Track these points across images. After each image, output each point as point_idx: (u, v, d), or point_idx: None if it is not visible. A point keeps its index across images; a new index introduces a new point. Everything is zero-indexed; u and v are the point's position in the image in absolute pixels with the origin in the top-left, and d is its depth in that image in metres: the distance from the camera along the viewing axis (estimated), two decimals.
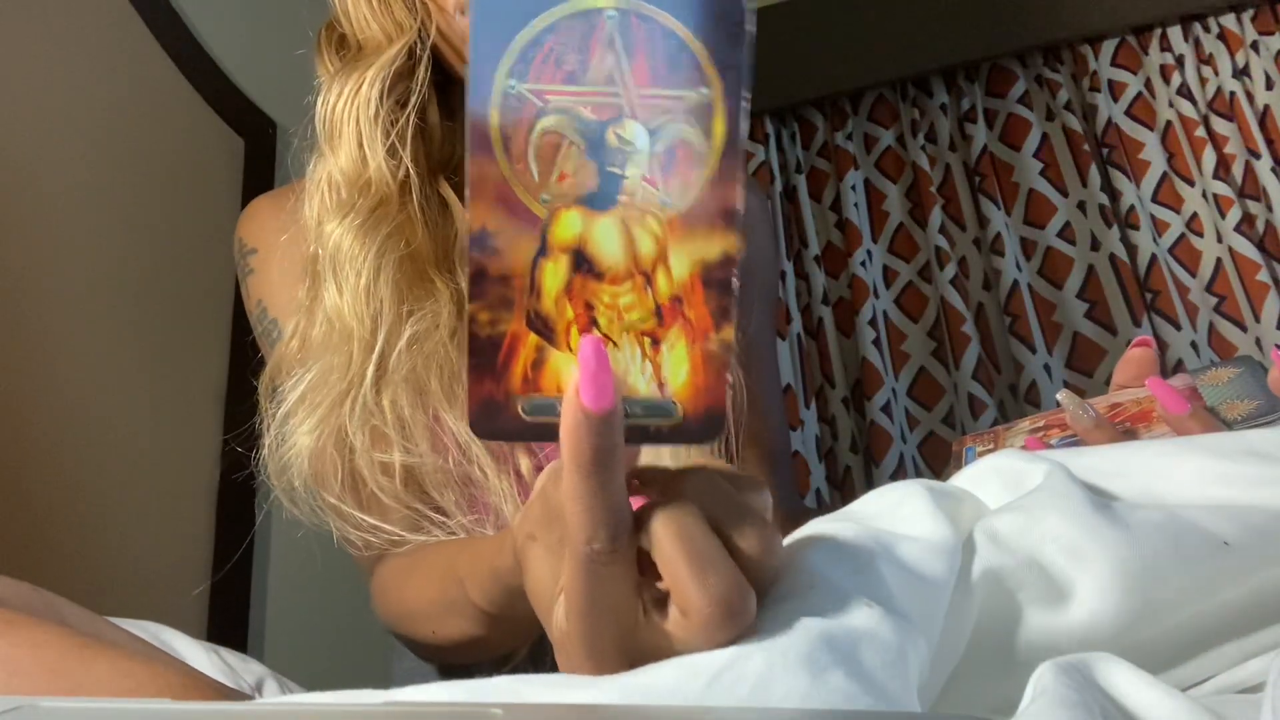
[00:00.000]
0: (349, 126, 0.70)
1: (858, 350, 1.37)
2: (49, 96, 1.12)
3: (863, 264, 1.38)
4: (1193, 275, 1.28)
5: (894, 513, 0.42)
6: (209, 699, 0.45)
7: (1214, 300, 1.26)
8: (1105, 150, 1.33)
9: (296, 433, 0.69)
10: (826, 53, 1.41)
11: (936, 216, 1.37)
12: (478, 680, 0.33)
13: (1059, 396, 0.59)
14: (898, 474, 1.33)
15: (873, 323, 1.36)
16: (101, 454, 0.82)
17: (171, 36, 1.26)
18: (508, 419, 0.31)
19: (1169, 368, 1.25)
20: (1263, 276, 1.23)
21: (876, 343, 1.36)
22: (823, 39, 1.41)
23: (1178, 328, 1.26)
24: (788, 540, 0.40)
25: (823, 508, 0.80)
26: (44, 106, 1.11)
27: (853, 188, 1.42)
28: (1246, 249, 1.24)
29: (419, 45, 0.72)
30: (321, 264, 0.70)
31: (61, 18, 1.15)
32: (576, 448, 0.31)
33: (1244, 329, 1.24)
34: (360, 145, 0.69)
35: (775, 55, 1.42)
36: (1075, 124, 1.35)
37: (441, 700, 0.33)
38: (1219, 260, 1.26)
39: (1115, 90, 1.35)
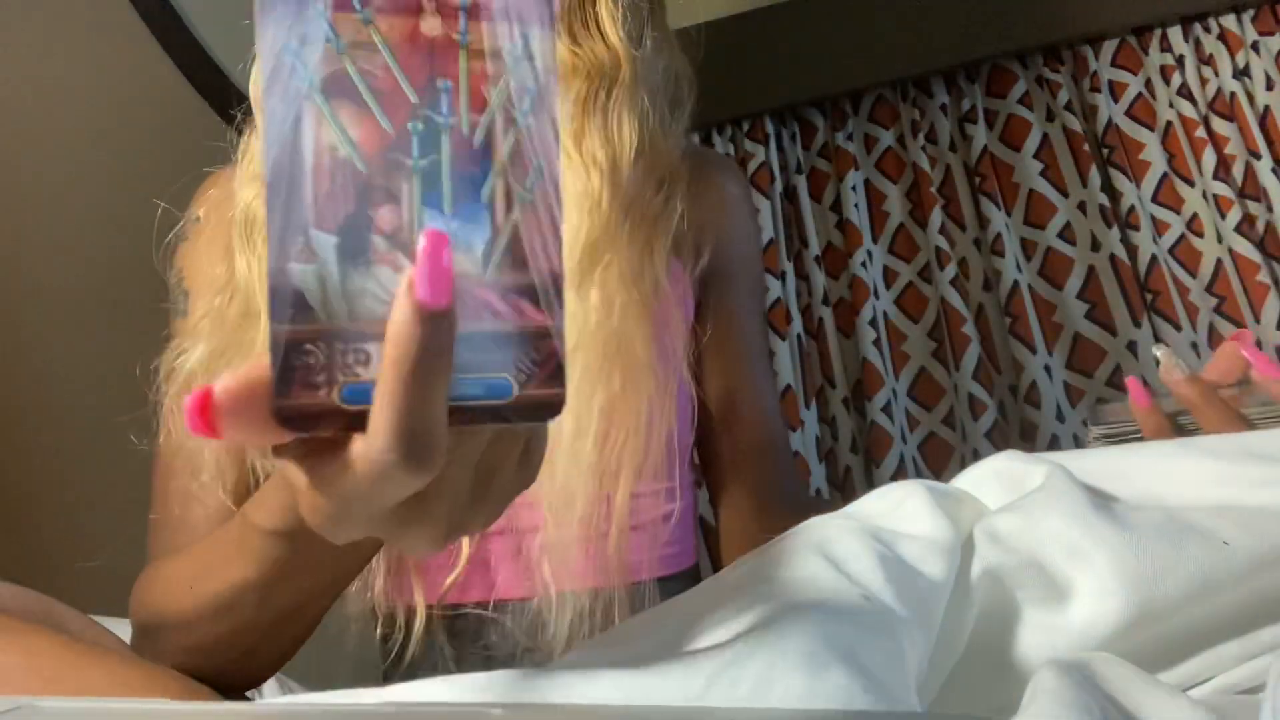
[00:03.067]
0: None
1: (858, 351, 1.37)
2: (47, 95, 1.12)
3: (863, 264, 1.38)
4: (1193, 276, 1.28)
5: (895, 512, 0.42)
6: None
7: (1214, 301, 1.26)
8: (1105, 151, 1.33)
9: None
10: (826, 53, 1.41)
11: (937, 217, 1.37)
12: (475, 674, 0.33)
13: (1155, 350, 0.60)
14: (898, 474, 1.33)
15: (873, 323, 1.36)
16: (98, 453, 0.82)
17: (170, 35, 1.26)
18: (322, 406, 0.29)
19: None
20: (1263, 277, 1.23)
21: (877, 343, 1.36)
22: (823, 39, 1.41)
23: (1178, 328, 1.26)
24: (788, 536, 0.40)
25: (824, 508, 0.79)
26: (42, 105, 1.11)
27: (853, 188, 1.42)
28: (1247, 250, 1.24)
29: None
30: (238, 230, 0.66)
31: (60, 17, 1.15)
32: (401, 346, 0.28)
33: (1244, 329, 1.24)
34: None
35: (775, 55, 1.42)
36: (1075, 124, 1.34)
37: (441, 700, 0.33)
38: (1219, 261, 1.26)
39: (1115, 91, 1.35)
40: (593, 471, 0.66)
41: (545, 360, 0.31)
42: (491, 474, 0.33)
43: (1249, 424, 0.55)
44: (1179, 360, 0.57)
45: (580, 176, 0.67)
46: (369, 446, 0.30)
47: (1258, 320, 1.23)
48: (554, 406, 0.31)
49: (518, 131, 0.31)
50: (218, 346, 0.66)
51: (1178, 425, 0.58)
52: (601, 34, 0.69)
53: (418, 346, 0.28)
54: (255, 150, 0.68)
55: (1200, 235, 1.28)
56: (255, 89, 0.67)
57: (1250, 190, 1.26)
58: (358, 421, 0.29)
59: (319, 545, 0.43)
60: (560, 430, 0.66)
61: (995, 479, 0.46)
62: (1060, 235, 1.32)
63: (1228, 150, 1.28)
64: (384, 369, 0.29)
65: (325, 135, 0.29)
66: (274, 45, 0.29)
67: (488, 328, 0.30)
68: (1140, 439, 0.58)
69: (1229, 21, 1.31)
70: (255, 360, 0.30)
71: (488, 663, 0.71)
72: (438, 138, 0.30)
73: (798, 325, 1.41)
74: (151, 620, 0.58)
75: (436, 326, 0.28)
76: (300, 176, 0.29)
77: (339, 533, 0.33)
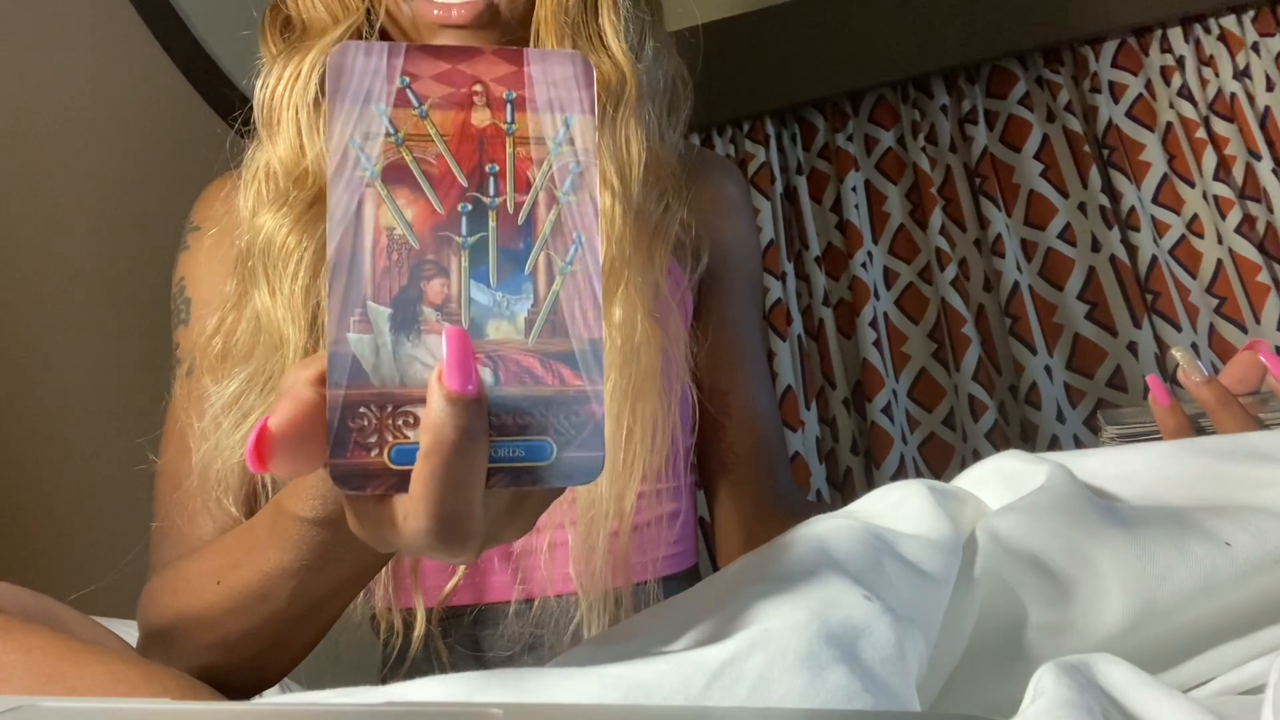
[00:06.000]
0: (288, 113, 0.66)
1: (858, 352, 1.37)
2: (46, 97, 1.12)
3: (863, 265, 1.38)
4: (1193, 277, 1.28)
5: (895, 511, 0.42)
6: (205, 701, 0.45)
7: (1214, 301, 1.26)
8: (1106, 151, 1.33)
9: (225, 442, 0.65)
10: (826, 53, 1.41)
11: (937, 218, 1.37)
12: (475, 674, 0.33)
13: (1175, 352, 0.59)
14: (898, 475, 1.33)
15: (873, 324, 1.36)
16: (97, 452, 0.82)
17: (172, 37, 1.26)
18: (373, 466, 0.31)
19: (1169, 370, 1.25)
20: (1263, 278, 1.23)
21: (877, 344, 1.36)
22: (823, 39, 1.41)
23: (1178, 329, 1.26)
24: (788, 536, 0.40)
25: (820, 510, 0.78)
26: (41, 107, 1.11)
27: (853, 189, 1.42)
28: (1247, 250, 1.24)
29: (366, 28, 0.68)
30: (253, 259, 0.66)
31: (61, 18, 1.15)
32: (438, 434, 0.30)
33: (1244, 330, 1.24)
34: (299, 134, 0.65)
35: (775, 56, 1.42)
36: (1076, 125, 1.34)
37: (441, 700, 0.33)
38: (1219, 262, 1.26)
39: (1116, 91, 1.35)
40: (603, 476, 0.66)
41: (584, 424, 0.33)
42: (526, 494, 0.35)
43: (1266, 429, 0.55)
44: (1198, 363, 0.57)
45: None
46: (406, 526, 0.32)
47: (1258, 321, 1.23)
48: (593, 469, 0.33)
49: (559, 209, 0.33)
50: (247, 379, 0.66)
51: (1198, 427, 0.57)
52: (606, 48, 0.68)
53: (451, 432, 0.30)
54: (260, 164, 0.67)
55: (1200, 236, 1.28)
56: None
57: (1250, 191, 1.26)
58: (406, 482, 0.32)
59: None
60: None
61: (997, 478, 0.46)
62: (1061, 236, 1.32)
63: (1228, 151, 1.28)
64: (420, 457, 0.31)
65: (383, 217, 0.32)
66: (340, 140, 0.32)
67: (530, 392, 0.32)
68: (1158, 439, 0.58)
69: (1229, 22, 1.31)
70: (298, 396, 0.31)
71: (487, 665, 0.71)
72: (485, 217, 0.33)
73: (798, 326, 1.41)
74: (168, 621, 0.58)
75: (467, 412, 0.30)
76: (360, 255, 0.32)
77: (380, 548, 0.35)
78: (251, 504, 0.69)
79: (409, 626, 0.70)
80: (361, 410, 0.31)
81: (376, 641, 0.77)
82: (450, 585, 0.71)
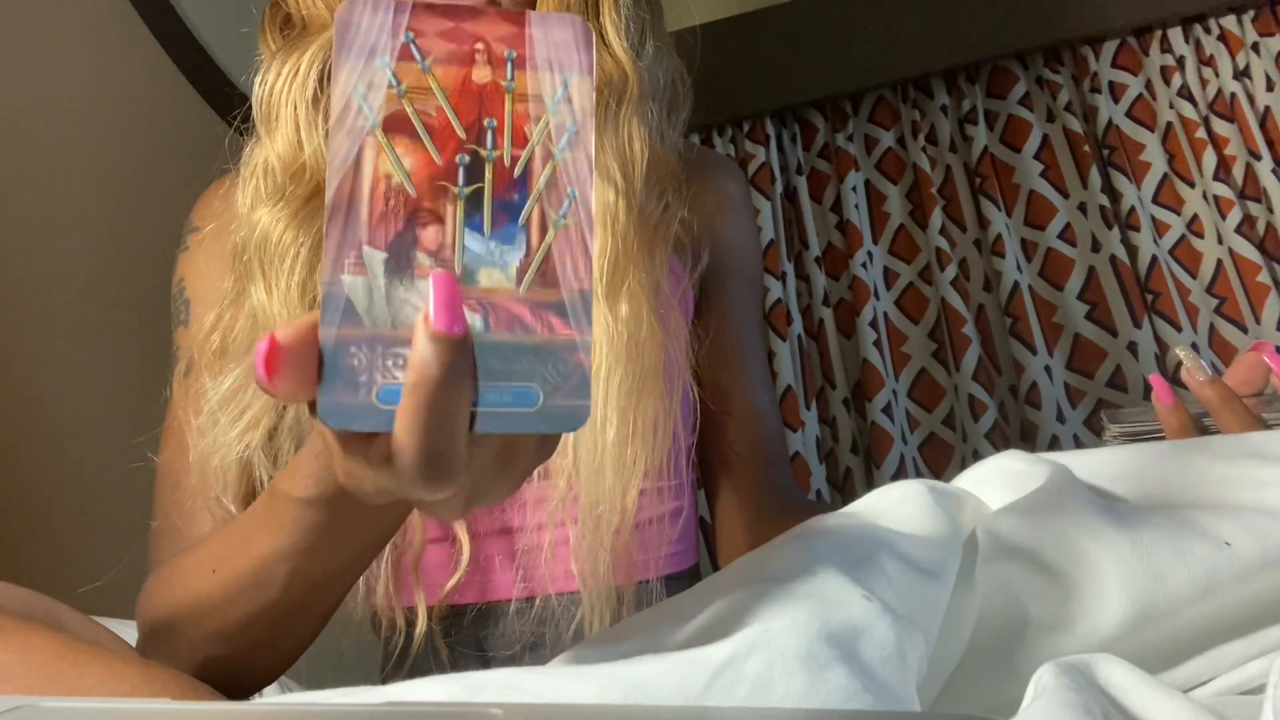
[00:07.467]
0: (286, 109, 0.66)
1: (858, 351, 1.37)
2: (46, 97, 1.12)
3: (863, 265, 1.38)
4: (1193, 276, 1.28)
5: (895, 511, 0.42)
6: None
7: (1215, 301, 1.26)
8: (1106, 151, 1.33)
9: (223, 439, 0.65)
10: (826, 53, 1.41)
11: (937, 218, 1.37)
12: (475, 673, 0.33)
13: (1178, 351, 0.59)
14: (899, 475, 1.33)
15: (873, 324, 1.36)
16: (97, 452, 0.82)
17: (171, 36, 1.26)
18: (361, 405, 0.32)
19: (1169, 370, 1.25)
20: (1263, 278, 1.23)
21: (877, 344, 1.36)
22: (823, 39, 1.41)
23: (1178, 329, 1.26)
24: (789, 536, 0.40)
25: (821, 509, 0.78)
26: (41, 107, 1.11)
27: (853, 189, 1.42)
28: (1247, 250, 1.24)
29: None
30: (250, 255, 0.67)
31: (61, 18, 1.15)
32: (422, 371, 0.31)
33: (1245, 330, 1.24)
34: (297, 129, 0.66)
35: (775, 56, 1.42)
36: (1076, 125, 1.34)
37: (441, 700, 0.33)
38: (1219, 262, 1.26)
39: (1116, 91, 1.35)
40: (601, 473, 0.66)
41: (572, 373, 0.33)
42: (513, 450, 0.35)
43: (1269, 429, 0.55)
44: (1201, 362, 0.57)
45: (599, 194, 0.66)
46: (391, 463, 0.33)
47: (1258, 321, 1.23)
48: (578, 417, 0.33)
49: (555, 164, 0.34)
50: (243, 374, 0.66)
51: (1201, 426, 0.57)
52: (607, 46, 0.69)
53: (436, 369, 0.31)
54: (258, 160, 0.68)
55: (1200, 236, 1.28)
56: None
57: (1250, 191, 1.26)
58: (392, 421, 0.33)
59: (351, 511, 0.45)
60: (577, 433, 0.66)
61: (997, 478, 0.46)
62: (1061, 236, 1.32)
63: (1228, 151, 1.28)
64: (405, 392, 0.31)
65: (382, 165, 0.33)
66: (344, 89, 0.33)
67: (519, 340, 0.33)
68: (1160, 439, 0.57)
69: (1229, 22, 1.31)
70: (299, 321, 0.32)
71: (489, 664, 0.71)
72: (482, 169, 0.34)
73: (798, 326, 1.41)
74: (167, 616, 0.58)
75: (452, 350, 0.31)
76: (358, 200, 0.33)
77: (370, 497, 0.36)
78: (250, 502, 0.69)
79: (410, 625, 0.70)
80: (353, 349, 0.32)
81: (378, 641, 0.77)
82: (452, 582, 0.71)
